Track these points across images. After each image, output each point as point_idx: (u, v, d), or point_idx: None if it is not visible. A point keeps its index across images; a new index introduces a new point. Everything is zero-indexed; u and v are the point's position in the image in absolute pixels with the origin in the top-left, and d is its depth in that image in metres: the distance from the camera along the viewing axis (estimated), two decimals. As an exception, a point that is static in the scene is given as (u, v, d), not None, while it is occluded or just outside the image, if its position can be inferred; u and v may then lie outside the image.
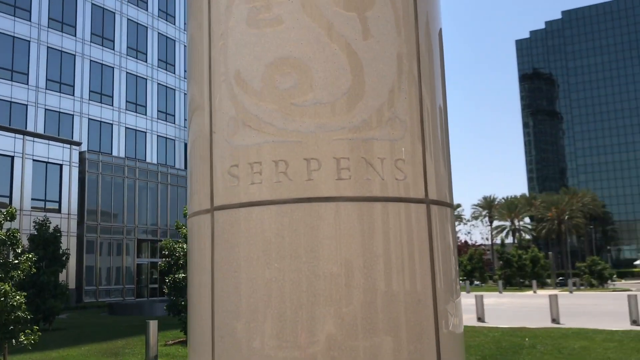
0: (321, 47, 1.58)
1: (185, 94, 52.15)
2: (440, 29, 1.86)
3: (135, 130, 47.02)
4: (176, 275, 17.91)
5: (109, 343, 18.42)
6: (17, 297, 11.30)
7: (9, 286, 11.20)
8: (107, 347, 17.60)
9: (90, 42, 44.12)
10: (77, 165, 37.94)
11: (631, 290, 53.75)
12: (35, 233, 23.86)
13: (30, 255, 12.42)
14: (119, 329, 22.26)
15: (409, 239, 1.57)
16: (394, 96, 1.61)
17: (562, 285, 62.88)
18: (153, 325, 14.81)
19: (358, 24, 1.60)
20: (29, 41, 40.04)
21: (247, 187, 1.58)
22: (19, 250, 12.59)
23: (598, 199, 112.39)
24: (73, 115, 42.52)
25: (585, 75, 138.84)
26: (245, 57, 1.63)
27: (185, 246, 18.03)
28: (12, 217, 11.93)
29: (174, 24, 51.80)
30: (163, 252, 18.37)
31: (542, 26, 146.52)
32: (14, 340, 11.75)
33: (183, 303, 17.80)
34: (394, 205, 1.56)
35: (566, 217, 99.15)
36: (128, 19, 47.10)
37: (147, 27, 48.97)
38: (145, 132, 47.96)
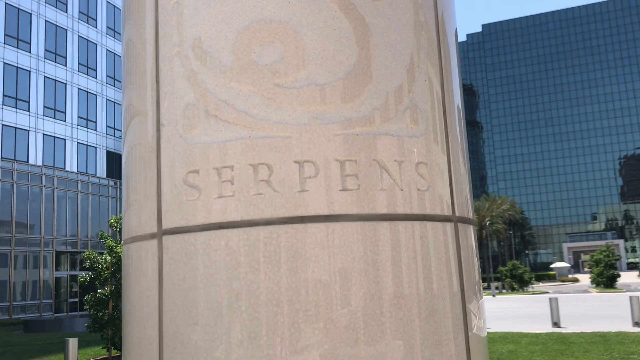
0: (316, 7, 1.14)
1: (107, 99, 50.07)
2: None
3: (54, 137, 44.52)
4: (98, 291, 16.82)
5: (23, 365, 17.07)
6: None
7: None
8: (21, 370, 16.28)
9: (4, 43, 41.48)
10: (-11, 173, 35.52)
11: (549, 293, 56.05)
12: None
13: None
14: (34, 348, 20.72)
15: (437, 269, 1.15)
16: (412, 77, 1.19)
17: (485, 289, 64.76)
18: (73, 343, 13.81)
19: (365, -22, 1.17)
20: None
21: (211, 201, 1.11)
22: None
23: (517, 205, 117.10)
24: (-16, 120, 39.74)
25: (504, 86, 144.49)
26: (209, 20, 1.16)
27: (108, 258, 16.95)
28: None
29: (95, 27, 49.63)
30: (84, 264, 17.21)
31: (464, 39, 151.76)
32: None
33: (106, 318, 16.73)
34: (417, 226, 1.13)
35: (487, 223, 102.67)
36: (46, 20, 44.66)
37: (66, 30, 46.65)
38: (65, 139, 45.52)
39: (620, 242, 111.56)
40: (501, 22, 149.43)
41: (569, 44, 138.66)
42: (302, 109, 1.10)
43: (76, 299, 41.52)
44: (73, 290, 41.85)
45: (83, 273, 19.35)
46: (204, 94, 1.14)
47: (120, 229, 16.39)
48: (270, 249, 1.06)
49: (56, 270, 40.71)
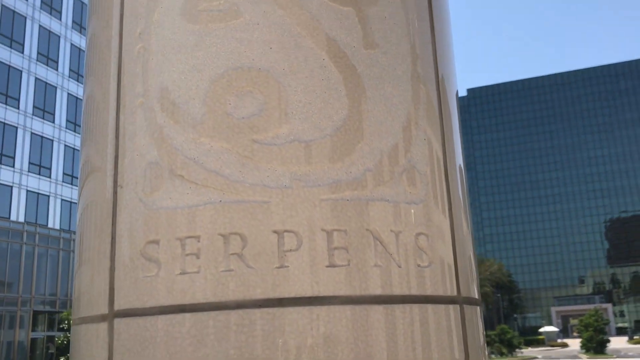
0: (302, 54, 1.00)
1: (95, 156, 49.99)
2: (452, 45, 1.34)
3: (38, 193, 43.99)
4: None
5: None
6: None
7: None
8: None
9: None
10: (-31, 230, 34.79)
11: (538, 358, 54.96)
12: None
13: None
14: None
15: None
16: (409, 136, 1.04)
17: (474, 353, 63.41)
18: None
19: (357, 24, 1.04)
20: None
21: (173, 278, 0.93)
22: None
23: (504, 268, 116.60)
24: (-32, 176, 39.30)
25: (490, 149, 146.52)
26: (178, 67, 1.01)
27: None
28: None
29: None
30: (61, 325, 16.59)
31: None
32: None
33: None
34: (417, 310, 0.95)
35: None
36: (36, 77, 44.97)
37: (56, 87, 46.95)
38: (49, 196, 44.99)
39: (609, 306, 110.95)
40: (486, 86, 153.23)
41: (555, 108, 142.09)
42: (284, 169, 0.94)
43: (51, 362, 40.03)
44: (49, 351, 40.41)
45: (61, 334, 18.64)
46: (169, 151, 0.98)
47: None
48: (242, 338, 0.87)
49: (33, 330, 39.40)
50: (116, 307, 0.96)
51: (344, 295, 0.90)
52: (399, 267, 0.95)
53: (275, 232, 0.92)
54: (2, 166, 41.99)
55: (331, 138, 0.97)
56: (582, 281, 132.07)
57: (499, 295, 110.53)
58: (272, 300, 0.88)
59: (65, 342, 16.98)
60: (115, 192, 1.02)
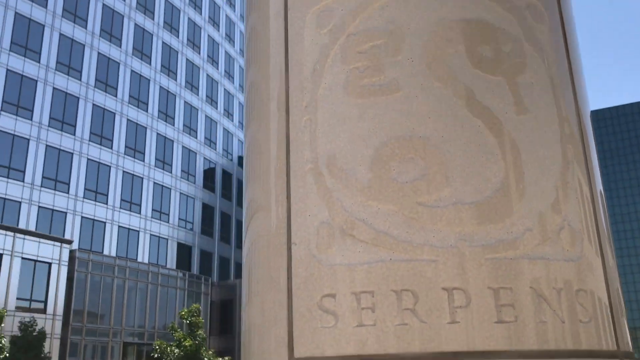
0: (459, 122, 1.09)
1: (181, 193, 52.01)
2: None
3: (129, 229, 46.23)
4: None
5: None
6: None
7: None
8: None
9: (89, 140, 44.40)
10: (67, 263, 36.85)
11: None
12: (19, 334, 22.56)
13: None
14: None
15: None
16: (564, 194, 1.10)
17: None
18: None
19: (508, 92, 1.12)
20: (29, 139, 40.27)
21: (351, 330, 1.02)
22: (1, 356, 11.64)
23: None
24: (66, 212, 41.87)
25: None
26: (344, 136, 1.13)
27: (176, 350, 16.88)
28: (0, 320, 11.10)
29: (173, 126, 52.59)
30: (152, 354, 17.18)
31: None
32: None
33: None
34: (581, 363, 1.00)
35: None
36: (128, 119, 47.76)
37: (146, 128, 49.59)
38: (139, 231, 47.16)
39: None
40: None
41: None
42: (449, 229, 1.02)
43: (140, 392, 41.26)
44: (138, 382, 41.70)
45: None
46: (340, 213, 1.08)
47: (190, 321, 16.46)
48: (419, 387, 0.95)
49: (123, 361, 40.85)
50: (296, 355, 1.06)
51: (514, 350, 0.96)
52: (563, 322, 1.00)
53: (444, 289, 0.99)
54: (98, 203, 44.49)
55: (491, 199, 1.04)
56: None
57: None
58: (447, 353, 0.95)
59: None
60: (289, 249, 1.13)
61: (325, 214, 1.10)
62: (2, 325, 11.70)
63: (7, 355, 11.33)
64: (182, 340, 16.67)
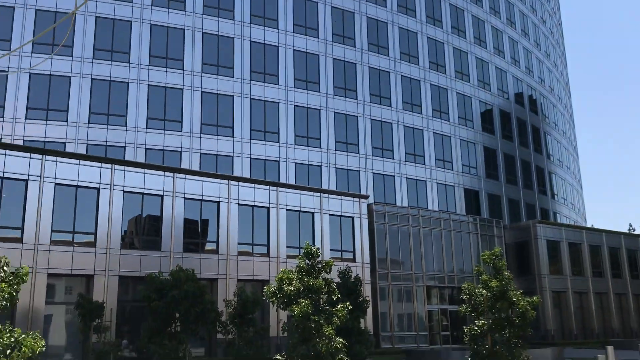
0: None
1: (461, 139, 52.39)
2: None
3: (416, 179, 48.59)
4: (476, 322, 17.48)
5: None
6: (340, 340, 12.22)
7: (332, 329, 12.15)
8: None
9: (370, 102, 47.59)
10: (366, 216, 40.51)
11: None
12: (339, 281, 25.76)
13: (347, 304, 13.36)
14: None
15: None
16: None
17: None
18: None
19: None
20: (319, 110, 45.08)
21: None
22: (334, 298, 13.60)
23: None
24: (359, 171, 45.91)
25: None
26: None
27: (484, 292, 17.53)
28: (330, 269, 13.07)
29: (445, 74, 52.96)
30: (462, 296, 18.11)
31: None
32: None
33: (485, 353, 17.21)
34: None
35: None
36: (402, 75, 49.74)
37: (419, 81, 51.00)
38: (425, 181, 49.20)
39: None
40: None
41: None
42: None
43: (447, 332, 43.54)
44: (443, 323, 44.02)
45: (459, 306, 20.33)
46: None
47: (493, 263, 16.96)
48: None
49: (427, 304, 43.53)
50: None
51: None
52: None
53: None
54: (385, 159, 47.62)
55: None
56: None
57: None
58: None
59: (466, 312, 18.41)
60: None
61: None
62: (330, 273, 13.66)
63: (339, 296, 13.22)
64: (488, 282, 17.22)
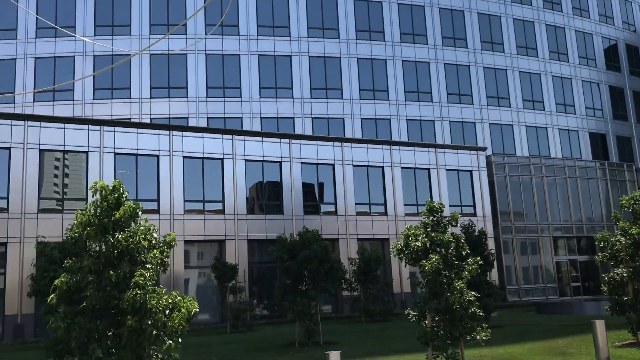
0: None
1: (582, 80, 49.08)
2: None
3: (536, 127, 46.33)
4: (615, 271, 16.61)
5: (549, 342, 18.22)
6: (472, 293, 12.16)
7: (463, 283, 12.12)
8: (549, 345, 17.42)
9: (482, 50, 45.66)
10: (485, 169, 39.39)
11: None
12: (462, 237, 25.41)
13: (477, 258, 13.23)
14: (554, 328, 21.88)
15: None
16: None
17: None
18: (600, 325, 13.98)
19: None
20: (428, 62, 43.95)
21: None
22: (463, 253, 13.51)
23: None
24: (474, 123, 44.47)
25: None
26: None
27: (622, 239, 16.59)
28: (456, 222, 12.95)
29: (561, 11, 49.47)
30: (600, 245, 17.25)
31: None
32: (467, 336, 12.59)
33: (628, 302, 16.39)
34: None
35: None
36: (514, 18, 47.09)
37: (533, 22, 48.09)
38: (546, 128, 46.79)
39: None
40: None
41: None
42: None
43: (578, 283, 41.85)
44: (573, 275, 42.33)
45: (592, 256, 19.44)
46: None
47: (632, 209, 15.91)
48: None
49: (555, 255, 41.94)
50: None
51: None
52: None
53: None
54: (501, 108, 45.79)
55: None
56: None
57: None
58: None
59: (604, 261, 17.57)
60: None
61: None
62: (456, 227, 13.54)
63: (468, 251, 13.08)
64: (627, 228, 16.27)
